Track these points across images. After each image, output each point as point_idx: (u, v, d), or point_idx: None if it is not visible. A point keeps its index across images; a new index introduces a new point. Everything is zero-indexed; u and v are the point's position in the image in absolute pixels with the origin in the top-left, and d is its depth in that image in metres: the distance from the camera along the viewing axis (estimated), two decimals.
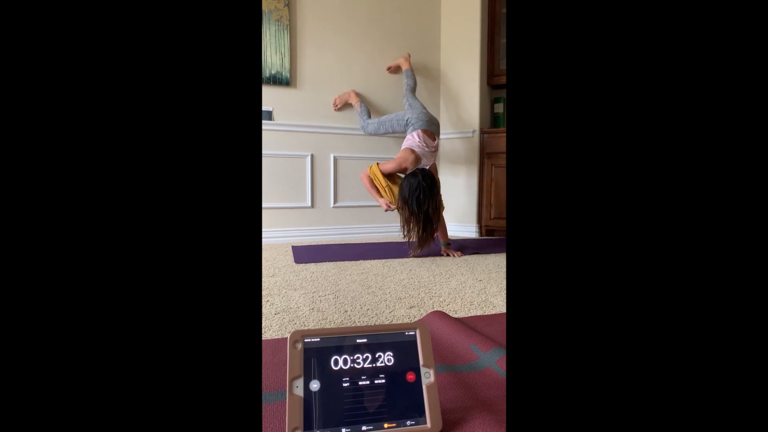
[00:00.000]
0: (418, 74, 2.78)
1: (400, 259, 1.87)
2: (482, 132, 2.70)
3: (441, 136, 2.87)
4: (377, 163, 2.03)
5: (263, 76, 2.38)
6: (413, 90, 2.44)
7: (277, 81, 2.41)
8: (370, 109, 2.64)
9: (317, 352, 0.51)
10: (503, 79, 2.68)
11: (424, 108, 2.25)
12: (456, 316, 1.04)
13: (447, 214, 2.88)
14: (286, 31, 2.41)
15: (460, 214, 2.83)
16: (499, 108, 2.81)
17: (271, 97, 2.43)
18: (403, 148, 2.07)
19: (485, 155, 2.69)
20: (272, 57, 2.40)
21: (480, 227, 2.75)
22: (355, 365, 0.51)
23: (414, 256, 1.90)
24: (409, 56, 2.62)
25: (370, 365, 0.52)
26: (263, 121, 2.41)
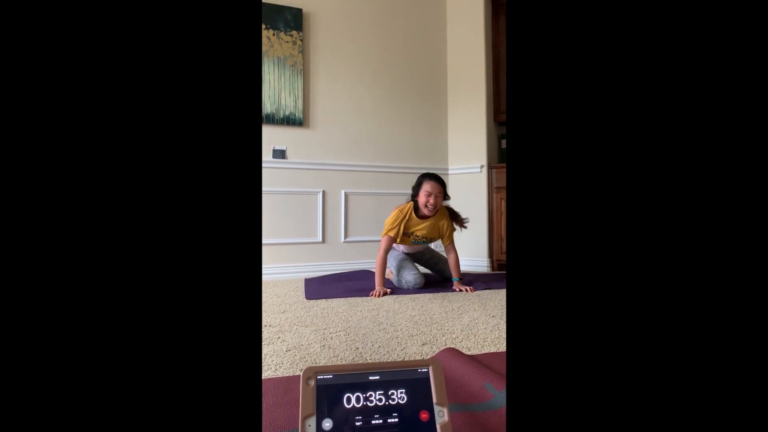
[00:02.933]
0: (426, 110, 2.88)
1: (412, 295, 1.85)
2: (490, 167, 2.74)
3: (450, 171, 2.92)
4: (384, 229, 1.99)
5: (277, 118, 2.49)
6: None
7: (291, 121, 2.52)
8: (377, 150, 2.72)
9: (330, 390, 0.51)
10: None
11: None
12: (469, 353, 1.02)
13: (459, 249, 2.88)
14: (299, 75, 2.54)
15: (471, 249, 2.81)
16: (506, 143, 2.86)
17: (284, 137, 2.53)
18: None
19: (494, 189, 2.71)
20: (286, 99, 2.52)
21: (492, 261, 2.73)
22: (368, 403, 0.51)
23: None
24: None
25: (383, 403, 0.51)
26: (278, 160, 2.49)
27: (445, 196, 1.99)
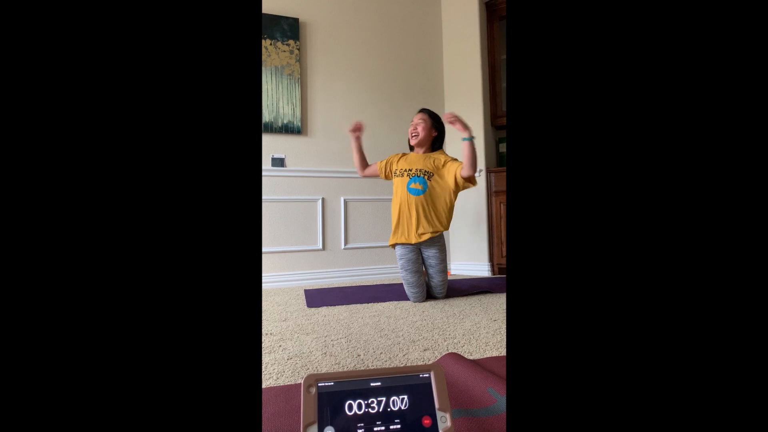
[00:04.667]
0: None
1: (413, 301, 1.85)
2: (489, 171, 2.75)
3: None
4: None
5: (276, 126, 2.50)
6: None
7: (289, 130, 2.53)
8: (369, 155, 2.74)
9: (331, 397, 0.50)
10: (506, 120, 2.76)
11: None
12: (471, 357, 1.02)
13: (459, 254, 2.88)
14: (297, 84, 2.56)
15: (471, 253, 2.81)
16: (505, 147, 2.88)
17: (283, 145, 2.53)
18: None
19: (493, 193, 2.72)
20: (284, 108, 2.53)
21: (492, 266, 2.72)
22: (370, 410, 0.51)
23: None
24: None
25: (385, 410, 0.51)
26: (277, 168, 2.50)
27: (438, 130, 1.97)
